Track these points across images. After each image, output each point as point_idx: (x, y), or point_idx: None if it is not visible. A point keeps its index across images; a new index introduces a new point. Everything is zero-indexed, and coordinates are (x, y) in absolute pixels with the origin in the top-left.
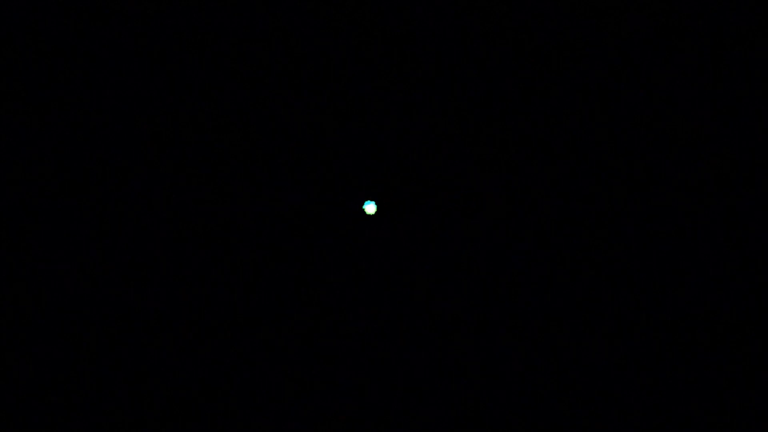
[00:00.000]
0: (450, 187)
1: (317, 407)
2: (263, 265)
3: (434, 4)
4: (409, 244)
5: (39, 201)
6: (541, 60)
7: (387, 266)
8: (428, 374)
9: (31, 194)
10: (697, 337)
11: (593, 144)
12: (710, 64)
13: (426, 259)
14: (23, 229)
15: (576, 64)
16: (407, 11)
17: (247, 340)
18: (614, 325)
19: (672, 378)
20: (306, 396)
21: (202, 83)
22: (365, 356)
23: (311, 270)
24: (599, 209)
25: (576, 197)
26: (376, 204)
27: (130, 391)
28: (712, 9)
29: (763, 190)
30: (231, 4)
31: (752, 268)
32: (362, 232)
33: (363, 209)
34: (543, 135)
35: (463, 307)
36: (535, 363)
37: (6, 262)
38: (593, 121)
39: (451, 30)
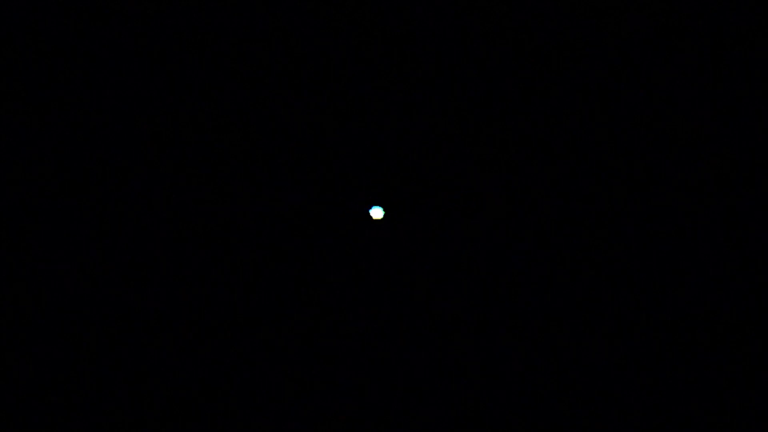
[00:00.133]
0: (451, 188)
1: (317, 407)
2: (263, 265)
3: (434, 4)
4: (410, 244)
5: (39, 201)
6: (541, 60)
7: (387, 266)
8: (428, 374)
9: (31, 194)
10: (697, 337)
11: (593, 144)
12: (710, 64)
13: (426, 260)
14: (23, 229)
15: (576, 64)
16: (407, 11)
17: (247, 340)
18: (614, 325)
19: (672, 378)
20: (306, 396)
21: (202, 83)
22: (365, 356)
23: (311, 270)
24: (599, 209)
25: (576, 197)
26: (382, 209)
27: (130, 391)
28: (712, 9)
29: (763, 190)
30: (231, 4)
31: (752, 268)
32: (363, 232)
33: (369, 213)
34: (543, 135)
35: (464, 307)
36: (535, 363)
37: (6, 262)
38: (593, 121)
39: (451, 30)
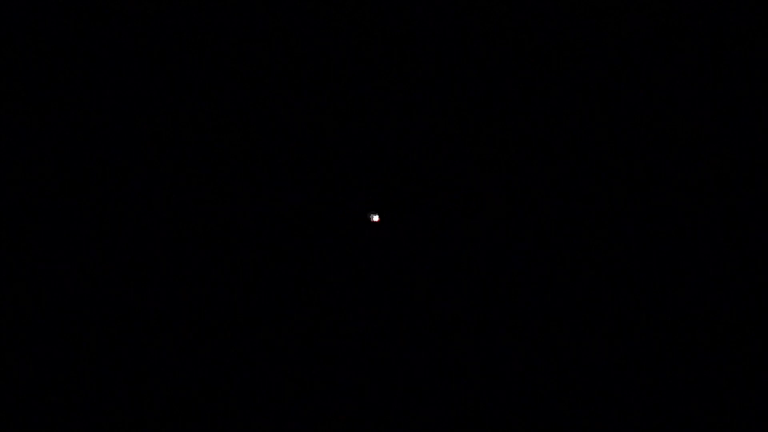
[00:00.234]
0: (451, 188)
1: (317, 407)
2: (263, 265)
3: (434, 4)
4: (410, 244)
5: (39, 201)
6: (541, 60)
7: (387, 266)
8: (428, 374)
9: (31, 194)
10: (697, 337)
11: (593, 144)
12: (710, 64)
13: (426, 260)
14: (23, 229)
15: (576, 64)
16: (407, 11)
17: (247, 340)
18: (614, 325)
19: (672, 378)
20: (306, 396)
21: (202, 83)
22: (365, 356)
23: (311, 270)
24: (599, 209)
25: (576, 197)
26: (378, 214)
27: (130, 391)
28: (712, 9)
29: (763, 190)
30: (231, 4)
31: (752, 268)
32: (362, 232)
33: (369, 217)
34: (543, 135)
35: (464, 307)
36: (535, 363)
37: (6, 262)
38: (593, 121)
39: (451, 30)
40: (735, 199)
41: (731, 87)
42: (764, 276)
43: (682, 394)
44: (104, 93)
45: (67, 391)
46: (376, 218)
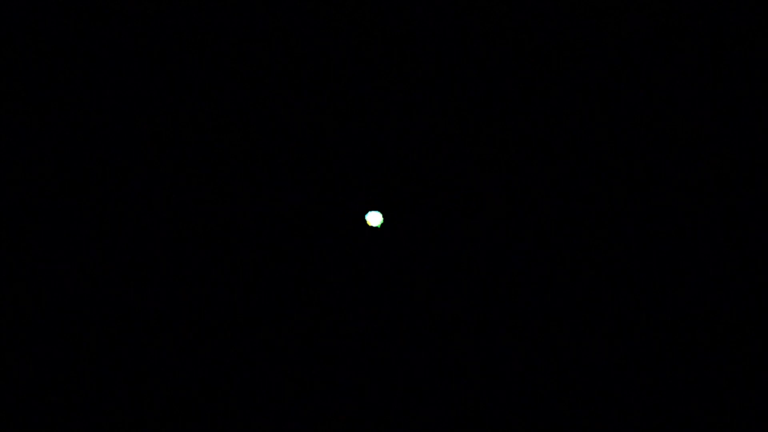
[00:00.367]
0: (451, 188)
1: (317, 407)
2: (263, 266)
3: (434, 4)
4: (410, 245)
5: (39, 201)
6: (541, 60)
7: (387, 266)
8: (428, 374)
9: (31, 194)
10: (697, 337)
11: (593, 144)
12: (710, 64)
13: (426, 260)
14: (23, 229)
15: (576, 64)
16: (407, 11)
17: (247, 340)
18: (614, 325)
19: (672, 378)
20: (306, 396)
21: (202, 83)
22: (365, 356)
23: (311, 270)
24: (599, 209)
25: (576, 197)
26: (380, 214)
27: (130, 391)
28: (712, 9)
29: (763, 190)
30: (231, 4)
31: (752, 268)
32: (362, 232)
33: (366, 219)
34: (543, 135)
35: (463, 307)
36: (535, 363)
37: (6, 262)
38: (593, 121)
39: (451, 30)
40: (735, 199)
41: (731, 87)
42: (764, 276)
43: (682, 394)
44: (104, 93)
45: (67, 391)
46: (376, 222)
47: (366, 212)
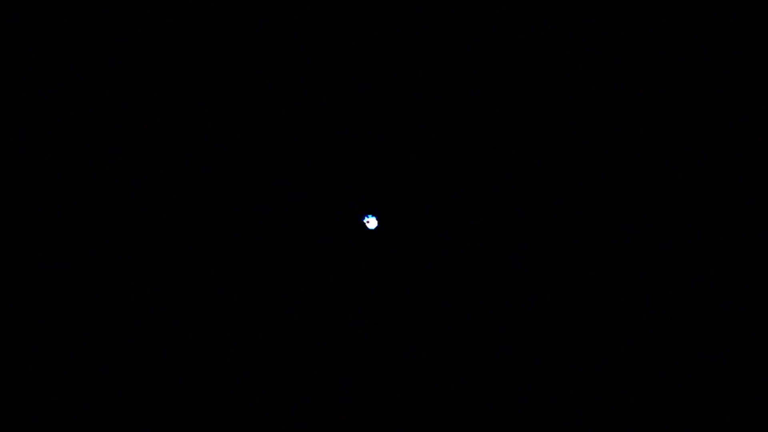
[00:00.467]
0: (451, 188)
1: (317, 407)
2: (263, 266)
3: (434, 4)
4: (410, 245)
5: (39, 201)
6: (541, 60)
7: (387, 266)
8: (428, 374)
9: (31, 194)
10: (697, 337)
11: (593, 144)
12: (710, 64)
13: (426, 260)
14: (23, 229)
15: (576, 64)
16: (407, 11)
17: (247, 340)
18: (614, 325)
19: (672, 378)
20: (306, 396)
21: (202, 83)
22: (365, 356)
23: (311, 270)
24: (599, 209)
25: (576, 197)
26: (376, 217)
27: (130, 391)
28: (712, 9)
29: (763, 190)
30: (231, 4)
31: (752, 268)
32: (362, 233)
33: (365, 222)
34: (543, 135)
35: (464, 307)
36: (535, 363)
37: (6, 262)
38: (593, 121)
39: (451, 30)
40: (735, 199)
41: (731, 87)
42: (764, 276)
43: (682, 394)
44: (104, 93)
45: (67, 391)
46: (373, 224)
47: (366, 213)
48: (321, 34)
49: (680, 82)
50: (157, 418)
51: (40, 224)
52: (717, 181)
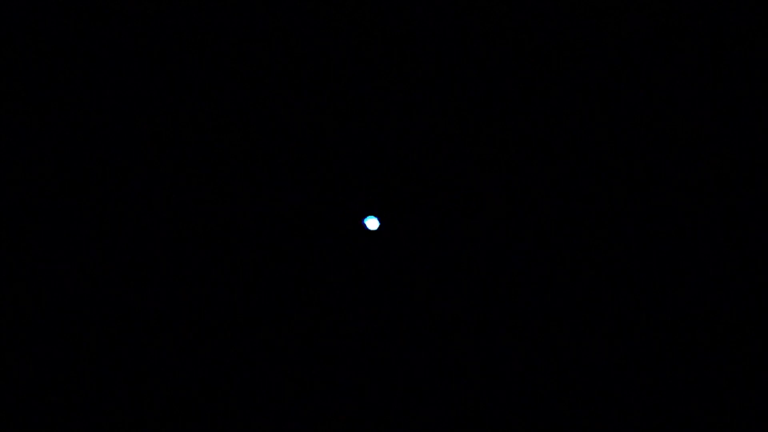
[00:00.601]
0: (451, 188)
1: (317, 407)
2: (264, 266)
3: (434, 4)
4: (411, 245)
5: (39, 201)
6: (541, 60)
7: (387, 266)
8: (428, 374)
9: (31, 194)
10: (697, 337)
11: (593, 144)
12: (710, 64)
13: (426, 260)
14: (23, 229)
15: (576, 64)
16: (407, 11)
17: (247, 340)
18: (614, 325)
19: (672, 378)
20: (306, 396)
21: (202, 83)
22: (365, 356)
23: (311, 271)
24: (599, 209)
25: (576, 197)
26: (377, 218)
27: (130, 391)
28: (712, 9)
29: (763, 190)
30: (231, 4)
31: (752, 268)
32: (362, 233)
33: (365, 223)
34: (543, 135)
35: (463, 307)
36: (535, 363)
37: (6, 262)
38: (593, 121)
39: (451, 30)
40: (735, 199)
41: (731, 87)
42: (764, 276)
43: (682, 394)
44: (104, 93)
45: (67, 391)
46: (374, 226)
47: (365, 214)
48: (321, 34)
49: (680, 82)
50: (157, 418)
51: (40, 224)
52: (717, 181)
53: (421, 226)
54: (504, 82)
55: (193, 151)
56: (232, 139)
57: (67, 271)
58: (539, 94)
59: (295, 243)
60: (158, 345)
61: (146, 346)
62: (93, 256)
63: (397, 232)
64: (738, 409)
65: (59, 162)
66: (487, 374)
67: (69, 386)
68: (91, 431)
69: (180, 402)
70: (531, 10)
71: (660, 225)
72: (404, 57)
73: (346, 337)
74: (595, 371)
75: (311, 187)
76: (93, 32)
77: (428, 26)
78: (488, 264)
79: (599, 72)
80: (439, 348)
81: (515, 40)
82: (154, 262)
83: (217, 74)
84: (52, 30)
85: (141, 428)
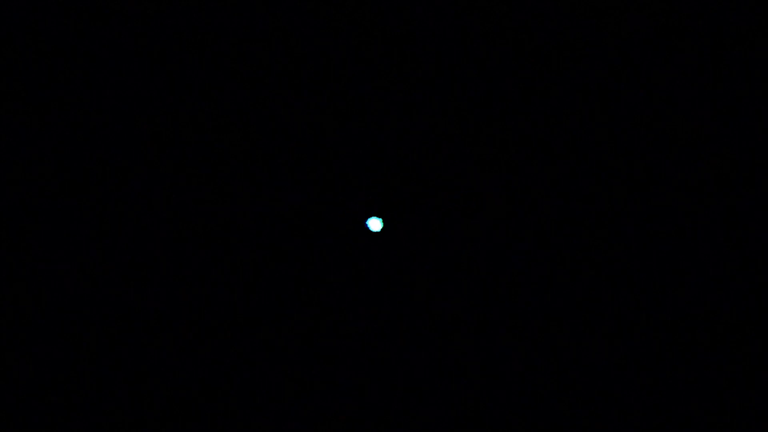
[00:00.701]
0: (454, 190)
1: (317, 407)
2: (264, 267)
3: (434, 4)
4: (413, 246)
5: (39, 201)
6: (541, 60)
7: (390, 268)
8: (428, 374)
9: (31, 194)
10: (697, 337)
11: (593, 144)
12: (710, 64)
13: (429, 261)
14: (23, 229)
15: (576, 64)
16: (407, 11)
17: (247, 340)
18: (614, 325)
19: (672, 378)
20: (306, 396)
21: (202, 83)
22: (366, 357)
23: (314, 272)
24: (599, 209)
25: (576, 197)
26: (380, 219)
27: (130, 391)
28: (712, 9)
29: (763, 190)
30: (231, 4)
31: (752, 268)
32: (362, 233)
33: (367, 224)
34: (543, 135)
35: (463, 307)
36: (535, 363)
37: (6, 262)
38: (593, 121)
39: (451, 30)
40: (735, 199)
41: (731, 87)
42: (764, 276)
43: (682, 394)
44: (104, 93)
45: (67, 391)
46: (376, 227)
47: (366, 215)
48: (321, 34)
49: (680, 82)
50: (157, 418)
51: (40, 224)
52: (717, 181)
53: (423, 227)
54: (507, 83)
55: (196, 152)
56: (235, 140)
57: (67, 271)
58: (541, 94)
59: (298, 244)
60: (158, 345)
61: (146, 346)
62: (93, 256)
63: (399, 234)
64: (738, 409)
65: (59, 162)
66: (488, 374)
67: (69, 386)
68: (91, 431)
69: (180, 402)
70: (531, 10)
71: (660, 225)
72: (408, 59)
73: (349, 337)
74: (595, 371)
75: (314, 188)
76: (93, 32)
77: (431, 28)
78: (492, 266)
79: (599, 72)
80: (441, 349)
81: (515, 40)
82: (156, 262)
83: (220, 75)
84: (53, 30)
85: (141, 428)
